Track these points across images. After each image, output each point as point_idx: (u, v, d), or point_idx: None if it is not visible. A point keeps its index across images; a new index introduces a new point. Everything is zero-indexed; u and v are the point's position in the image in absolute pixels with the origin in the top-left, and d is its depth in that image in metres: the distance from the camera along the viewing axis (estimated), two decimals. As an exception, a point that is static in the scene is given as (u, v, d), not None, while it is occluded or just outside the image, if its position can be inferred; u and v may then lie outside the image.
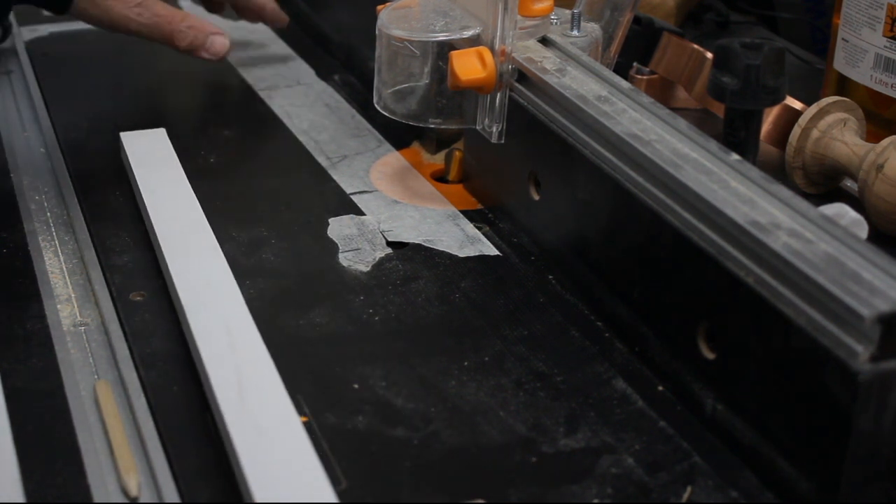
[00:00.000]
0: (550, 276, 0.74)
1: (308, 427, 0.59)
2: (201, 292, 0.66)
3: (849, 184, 0.82)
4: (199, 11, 1.08)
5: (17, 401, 0.61)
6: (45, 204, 0.81)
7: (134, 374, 0.64)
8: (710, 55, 0.86)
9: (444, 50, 0.77)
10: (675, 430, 0.61)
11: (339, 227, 0.79)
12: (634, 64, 0.93)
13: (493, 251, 0.77)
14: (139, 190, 0.78)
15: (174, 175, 0.79)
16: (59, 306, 0.70)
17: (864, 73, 0.86)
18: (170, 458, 0.58)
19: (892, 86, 0.85)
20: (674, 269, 0.62)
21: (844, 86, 0.88)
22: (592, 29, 0.80)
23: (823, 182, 0.82)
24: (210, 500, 0.55)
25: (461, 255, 0.76)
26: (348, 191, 0.83)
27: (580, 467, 0.58)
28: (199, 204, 0.75)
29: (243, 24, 1.11)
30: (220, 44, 0.95)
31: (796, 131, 0.80)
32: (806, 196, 0.68)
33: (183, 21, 0.93)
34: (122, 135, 0.84)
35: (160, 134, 0.85)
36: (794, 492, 0.55)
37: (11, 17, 1.08)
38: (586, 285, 0.71)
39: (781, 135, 0.83)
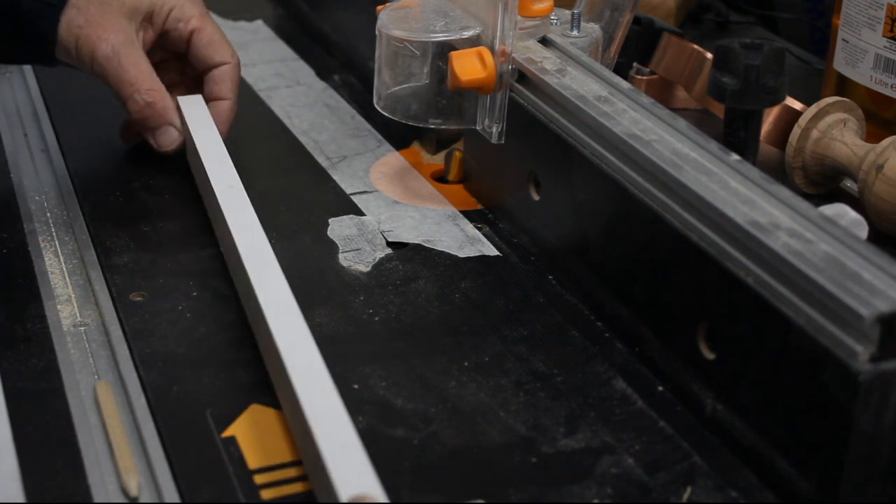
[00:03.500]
0: (550, 277, 0.74)
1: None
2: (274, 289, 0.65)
3: (849, 184, 0.82)
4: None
5: (17, 401, 0.61)
6: (45, 204, 0.81)
7: (134, 374, 0.64)
8: (710, 55, 0.86)
9: (444, 50, 0.77)
10: (674, 430, 0.61)
11: (339, 228, 0.79)
12: (634, 64, 0.93)
13: (493, 251, 0.77)
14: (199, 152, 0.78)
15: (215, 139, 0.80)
16: (59, 306, 0.70)
17: (863, 74, 0.86)
18: (170, 458, 0.58)
19: (891, 86, 0.85)
20: (674, 269, 0.62)
21: (844, 86, 0.88)
22: (592, 29, 0.80)
23: (823, 182, 0.82)
24: (210, 500, 0.55)
25: (461, 255, 0.76)
26: (348, 191, 0.83)
27: (580, 467, 0.58)
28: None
29: (243, 23, 1.11)
30: (168, 138, 0.82)
31: (796, 131, 0.80)
32: (806, 196, 0.68)
33: (145, 93, 0.80)
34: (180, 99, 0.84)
35: (198, 100, 0.85)
36: (794, 492, 0.55)
37: None
38: (586, 285, 0.71)
39: (781, 135, 0.84)
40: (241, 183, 0.75)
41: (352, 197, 0.83)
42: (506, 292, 0.72)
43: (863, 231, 0.71)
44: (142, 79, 0.80)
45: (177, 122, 0.82)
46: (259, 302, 0.64)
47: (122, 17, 0.80)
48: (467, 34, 0.76)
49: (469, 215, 0.81)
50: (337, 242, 0.77)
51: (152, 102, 0.80)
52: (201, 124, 0.82)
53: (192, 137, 0.80)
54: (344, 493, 0.51)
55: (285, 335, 0.61)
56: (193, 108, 0.83)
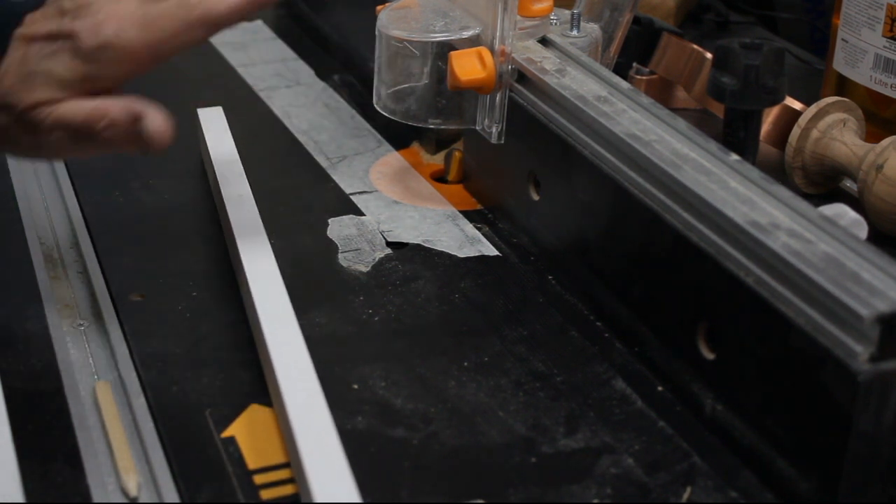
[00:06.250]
0: (550, 277, 0.74)
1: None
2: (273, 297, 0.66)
3: (848, 184, 0.82)
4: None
5: (17, 401, 0.61)
6: (46, 204, 0.81)
7: (134, 375, 0.64)
8: (709, 55, 0.86)
9: (443, 50, 0.77)
10: (674, 430, 0.61)
11: (338, 228, 0.79)
12: (634, 64, 0.93)
13: (493, 251, 0.77)
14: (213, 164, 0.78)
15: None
16: (58, 306, 0.70)
17: (863, 74, 0.86)
18: (169, 458, 0.58)
19: (891, 86, 0.85)
20: (674, 269, 0.62)
21: (844, 86, 0.88)
22: (592, 29, 0.80)
23: (823, 182, 0.82)
24: (210, 500, 0.55)
25: (461, 255, 0.76)
26: (348, 191, 0.83)
27: (580, 467, 0.58)
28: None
29: (243, 24, 1.11)
30: (152, 124, 0.63)
31: (796, 131, 0.80)
32: (806, 196, 0.68)
33: (94, 112, 0.63)
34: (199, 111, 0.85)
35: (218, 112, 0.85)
36: (794, 492, 0.55)
37: None
38: (586, 285, 0.71)
39: (781, 135, 0.84)
40: (251, 193, 0.75)
41: (351, 197, 0.83)
42: (506, 292, 0.72)
43: (862, 231, 0.71)
44: (87, 109, 0.63)
45: (140, 106, 0.64)
46: (254, 303, 0.64)
47: None
48: (467, 34, 0.76)
49: (469, 215, 0.81)
50: (336, 242, 0.77)
51: (107, 115, 0.63)
52: (219, 138, 0.81)
53: (208, 150, 0.80)
54: (319, 495, 0.51)
55: (276, 337, 0.61)
56: (212, 120, 0.83)
